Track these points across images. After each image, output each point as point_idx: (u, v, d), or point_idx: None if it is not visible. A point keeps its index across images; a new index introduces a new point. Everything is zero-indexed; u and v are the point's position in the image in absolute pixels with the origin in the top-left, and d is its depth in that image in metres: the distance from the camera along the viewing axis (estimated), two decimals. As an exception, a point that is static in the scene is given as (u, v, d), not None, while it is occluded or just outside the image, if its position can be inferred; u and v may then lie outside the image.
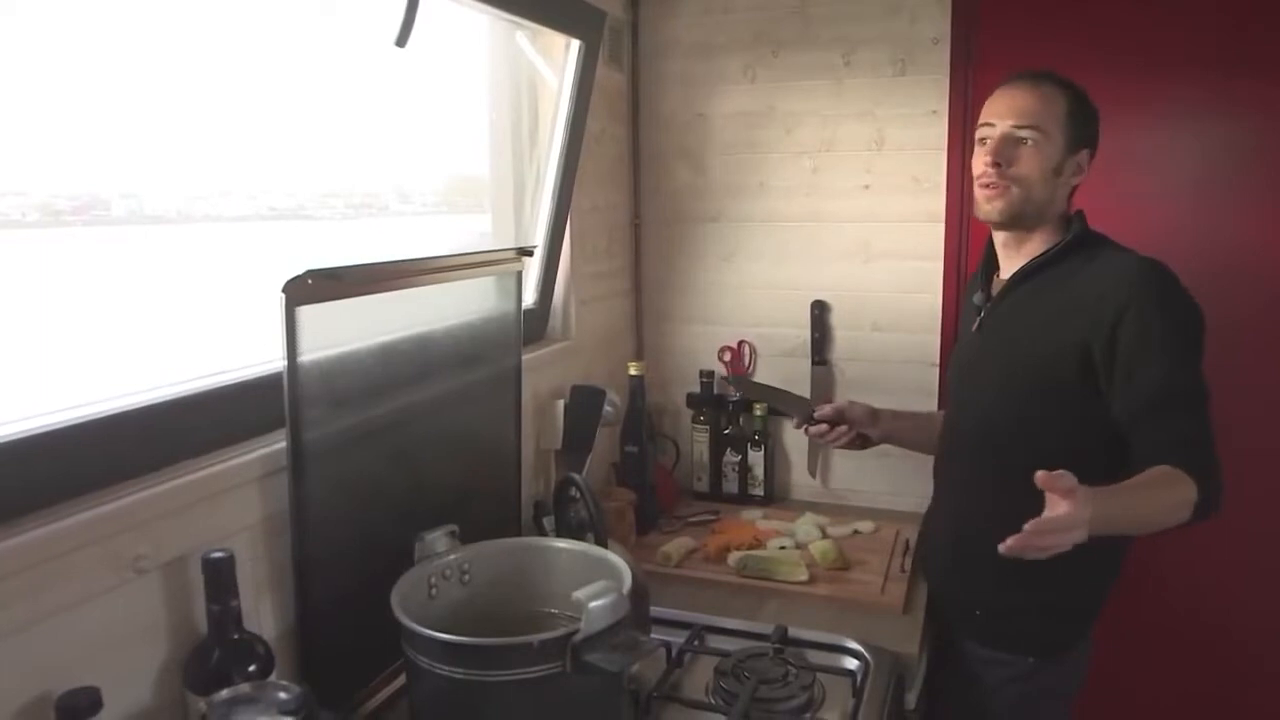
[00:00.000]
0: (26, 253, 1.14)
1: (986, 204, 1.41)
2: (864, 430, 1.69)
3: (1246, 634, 1.97)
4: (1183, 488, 1.20)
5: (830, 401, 2.08)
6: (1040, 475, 1.04)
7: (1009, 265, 1.48)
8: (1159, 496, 1.22)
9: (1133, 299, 1.29)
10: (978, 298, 1.55)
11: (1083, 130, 1.40)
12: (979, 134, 1.43)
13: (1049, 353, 1.37)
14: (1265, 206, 1.82)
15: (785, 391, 1.83)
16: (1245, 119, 1.82)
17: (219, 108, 1.24)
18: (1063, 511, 1.05)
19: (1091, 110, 1.41)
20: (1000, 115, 1.39)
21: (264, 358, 1.18)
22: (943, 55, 1.92)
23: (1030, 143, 1.37)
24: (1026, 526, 1.05)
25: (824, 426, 1.68)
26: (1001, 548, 1.06)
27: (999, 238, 1.49)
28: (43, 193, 1.11)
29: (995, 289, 1.51)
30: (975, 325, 1.53)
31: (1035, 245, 1.44)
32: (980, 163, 1.41)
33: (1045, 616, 1.45)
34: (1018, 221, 1.42)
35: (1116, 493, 1.17)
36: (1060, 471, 1.04)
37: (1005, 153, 1.38)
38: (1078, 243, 1.40)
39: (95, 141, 1.11)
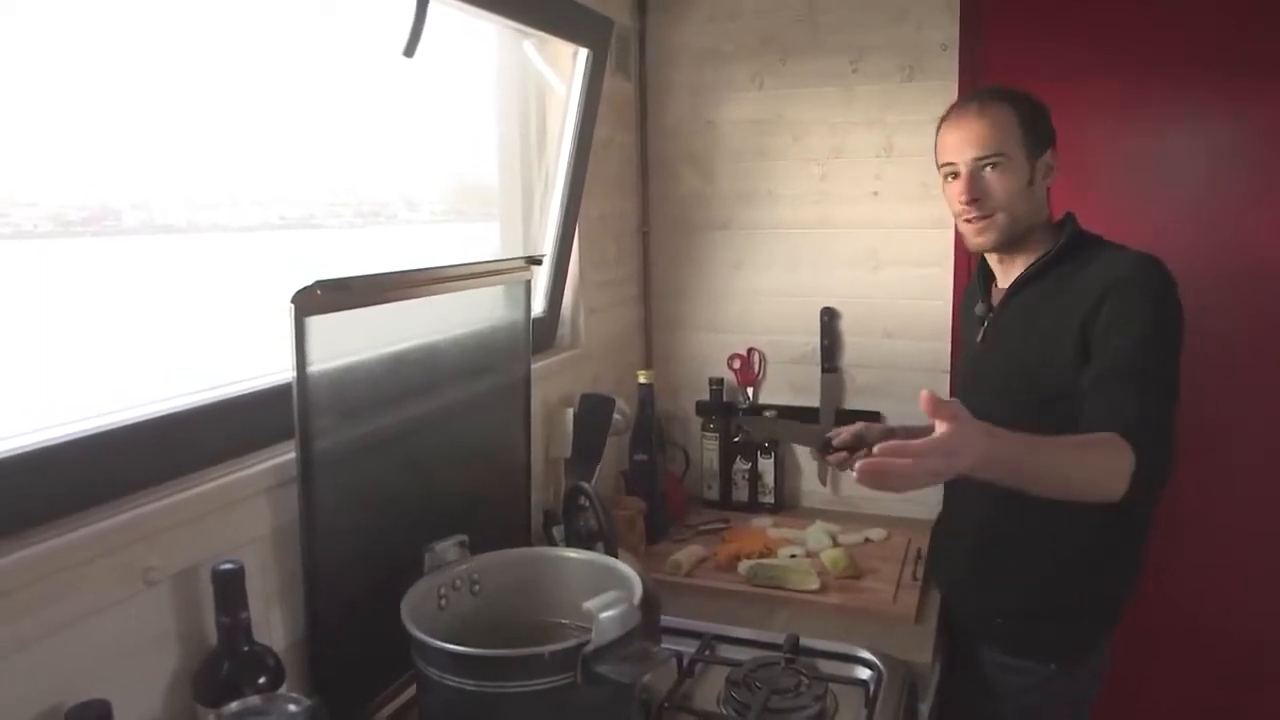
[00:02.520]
0: (37, 263, 1.15)
1: (976, 237, 1.42)
2: None
3: (1259, 636, 1.96)
4: (1118, 454, 1.10)
5: (840, 404, 2.10)
6: (924, 394, 0.96)
7: (1006, 275, 1.48)
8: (1089, 457, 1.12)
9: (1119, 283, 1.29)
10: (979, 308, 1.54)
11: (1040, 134, 1.40)
12: (944, 170, 1.44)
13: (1052, 358, 1.36)
14: (1266, 206, 1.82)
15: (797, 424, 1.80)
16: (1246, 119, 1.82)
17: (228, 117, 1.25)
18: (935, 435, 0.95)
19: (1042, 110, 1.41)
20: (959, 151, 1.40)
21: (275, 367, 1.18)
22: (951, 61, 1.91)
23: (998, 169, 1.37)
24: (881, 448, 0.93)
25: (844, 454, 1.57)
26: (856, 468, 0.94)
27: (991, 254, 1.50)
28: (53, 203, 1.11)
29: (995, 298, 1.51)
30: (980, 336, 1.53)
31: (1029, 252, 1.44)
32: (957, 201, 1.41)
33: (1068, 622, 1.45)
34: (1011, 244, 1.43)
35: (1037, 442, 1.07)
36: (951, 399, 0.97)
37: (978, 187, 1.38)
38: (1072, 246, 1.41)
39: (105, 152, 1.12)
